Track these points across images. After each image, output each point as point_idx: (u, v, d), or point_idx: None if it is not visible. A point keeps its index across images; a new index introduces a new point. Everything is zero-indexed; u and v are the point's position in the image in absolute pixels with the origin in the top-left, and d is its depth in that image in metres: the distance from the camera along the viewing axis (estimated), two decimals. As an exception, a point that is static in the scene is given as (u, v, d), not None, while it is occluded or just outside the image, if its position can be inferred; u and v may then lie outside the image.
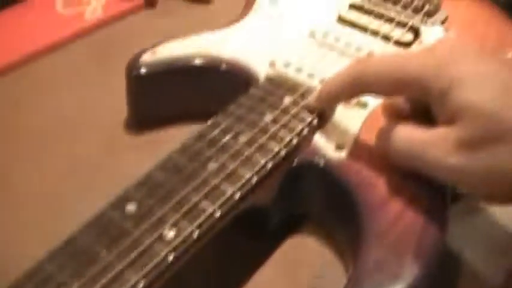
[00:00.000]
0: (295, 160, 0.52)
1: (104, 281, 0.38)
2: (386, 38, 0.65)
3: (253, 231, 0.52)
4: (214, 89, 0.61)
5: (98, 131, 0.62)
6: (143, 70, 0.60)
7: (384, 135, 0.49)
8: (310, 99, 0.53)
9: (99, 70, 0.69)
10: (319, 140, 0.53)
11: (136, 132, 0.62)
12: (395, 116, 0.51)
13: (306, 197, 0.53)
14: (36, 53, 0.71)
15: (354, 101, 0.56)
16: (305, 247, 0.53)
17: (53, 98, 0.66)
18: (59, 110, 0.64)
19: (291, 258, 0.52)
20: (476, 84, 0.45)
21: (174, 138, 0.59)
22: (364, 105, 0.56)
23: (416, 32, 0.66)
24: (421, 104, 0.49)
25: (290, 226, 0.54)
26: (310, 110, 0.53)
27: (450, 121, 0.45)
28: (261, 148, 0.49)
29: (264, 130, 0.51)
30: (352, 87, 0.50)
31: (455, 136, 0.44)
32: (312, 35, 0.65)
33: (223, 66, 0.61)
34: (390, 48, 0.64)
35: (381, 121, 0.54)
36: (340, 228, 0.52)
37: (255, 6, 0.70)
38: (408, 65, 0.47)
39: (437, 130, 0.46)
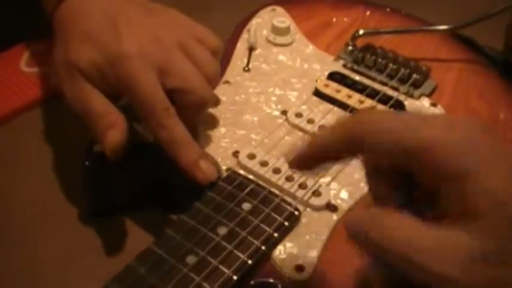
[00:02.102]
0: (252, 281, 0.46)
1: None
2: (366, 117, 0.58)
3: None
4: (172, 176, 0.56)
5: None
6: (98, 160, 0.55)
7: (375, 229, 0.36)
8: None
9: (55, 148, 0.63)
10: (279, 256, 0.47)
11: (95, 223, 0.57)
12: (383, 202, 0.39)
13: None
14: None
15: (323, 202, 0.51)
16: None
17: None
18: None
19: None
20: (502, 171, 0.35)
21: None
22: (334, 208, 0.51)
23: (400, 108, 0.60)
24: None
25: None
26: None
27: (463, 213, 0.35)
28: (211, 274, 0.44)
29: (216, 250, 0.46)
30: (349, 140, 0.38)
31: (469, 242, 0.34)
32: (284, 114, 0.59)
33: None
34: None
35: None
36: None
37: (227, 73, 0.64)
38: (427, 135, 0.36)
39: (446, 231, 0.35)
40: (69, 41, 0.52)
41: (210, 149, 0.55)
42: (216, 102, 0.58)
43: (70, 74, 0.51)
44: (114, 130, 0.50)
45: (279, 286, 0.46)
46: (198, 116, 0.54)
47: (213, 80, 0.55)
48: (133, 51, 0.50)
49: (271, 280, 0.46)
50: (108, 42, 0.51)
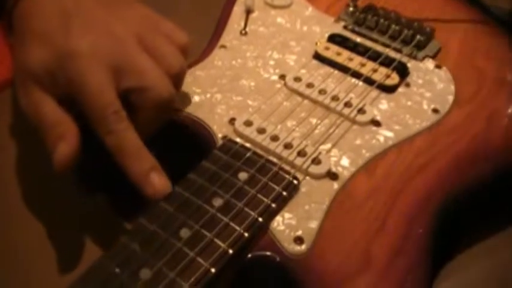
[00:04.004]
0: (249, 254, 0.44)
1: None
2: (368, 80, 0.56)
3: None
4: (167, 143, 0.54)
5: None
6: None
7: None
8: None
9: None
10: (277, 227, 0.45)
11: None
12: None
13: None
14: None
15: (323, 170, 0.48)
16: None
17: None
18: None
19: None
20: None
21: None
22: (334, 176, 0.49)
23: (403, 70, 0.58)
24: None
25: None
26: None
27: None
28: (206, 248, 0.42)
29: (211, 223, 0.43)
30: None
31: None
32: (282, 78, 0.56)
33: (175, 119, 0.52)
34: (372, 94, 0.55)
35: (355, 198, 0.47)
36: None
37: (223, 37, 0.61)
38: None
39: None
40: (23, 44, 0.48)
41: (205, 117, 0.52)
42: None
43: (23, 80, 0.48)
44: (63, 143, 0.46)
45: (277, 259, 0.44)
46: (158, 117, 0.49)
47: (176, 77, 0.49)
48: (83, 49, 0.46)
49: (269, 253, 0.44)
50: (57, 41, 0.47)
